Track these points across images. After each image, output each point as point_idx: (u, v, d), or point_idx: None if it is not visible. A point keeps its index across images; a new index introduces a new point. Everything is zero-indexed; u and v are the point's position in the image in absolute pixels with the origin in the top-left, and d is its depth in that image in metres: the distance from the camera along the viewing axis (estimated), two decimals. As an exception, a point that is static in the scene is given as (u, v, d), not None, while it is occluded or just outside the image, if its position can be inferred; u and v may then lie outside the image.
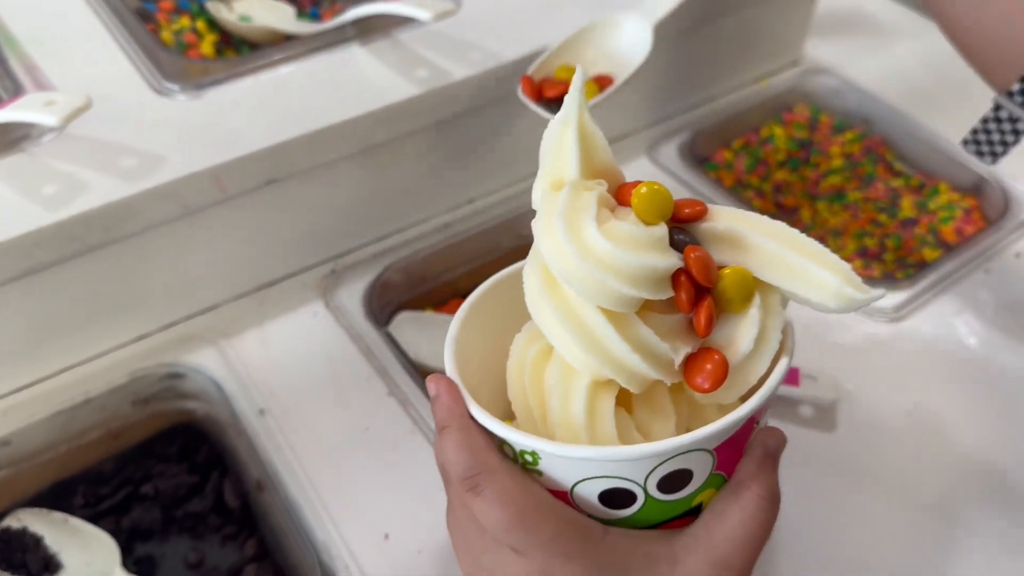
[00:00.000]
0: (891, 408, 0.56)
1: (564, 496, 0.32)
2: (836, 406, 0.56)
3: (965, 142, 0.56)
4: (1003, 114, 0.52)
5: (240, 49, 0.77)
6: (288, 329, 0.61)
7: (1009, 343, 0.60)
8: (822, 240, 0.33)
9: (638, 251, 0.30)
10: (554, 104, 0.56)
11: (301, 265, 0.64)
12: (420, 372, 0.58)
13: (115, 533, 0.51)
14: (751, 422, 0.32)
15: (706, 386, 0.30)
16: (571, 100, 0.32)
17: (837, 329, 0.61)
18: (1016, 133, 0.53)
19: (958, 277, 0.65)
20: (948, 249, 0.69)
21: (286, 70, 0.62)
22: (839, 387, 0.56)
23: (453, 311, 0.67)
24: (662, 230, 0.31)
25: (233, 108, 0.59)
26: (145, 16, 0.74)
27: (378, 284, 0.64)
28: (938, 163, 0.77)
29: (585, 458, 0.30)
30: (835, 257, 0.31)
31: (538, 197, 0.33)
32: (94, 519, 0.53)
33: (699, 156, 0.78)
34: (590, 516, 0.32)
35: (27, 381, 0.57)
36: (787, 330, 0.33)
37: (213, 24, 0.76)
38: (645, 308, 0.31)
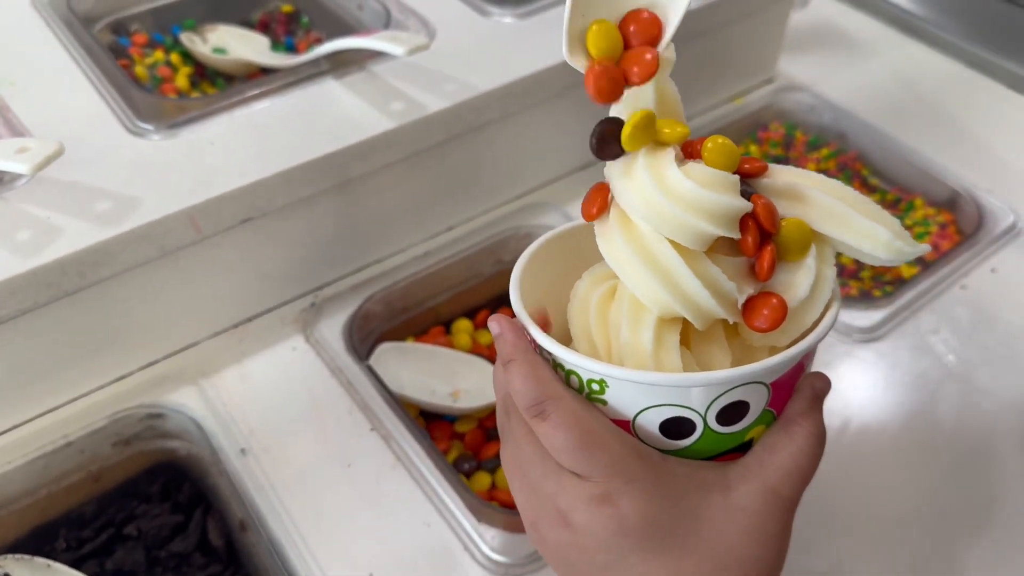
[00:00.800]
0: (868, 429, 0.57)
1: (626, 426, 0.33)
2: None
3: None
4: None
5: (215, 81, 0.76)
6: (268, 365, 0.60)
7: (987, 359, 0.61)
8: None
9: (716, 190, 0.32)
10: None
11: (280, 299, 0.64)
12: (402, 405, 0.58)
13: (98, 577, 0.51)
14: (800, 365, 0.34)
15: (764, 326, 0.32)
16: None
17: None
18: None
19: (935, 294, 0.65)
20: (925, 265, 0.70)
21: (260, 106, 0.62)
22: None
23: (434, 340, 0.68)
24: (735, 176, 0.33)
25: (208, 147, 0.58)
26: (118, 51, 0.74)
27: (358, 316, 0.63)
28: (913, 178, 0.77)
29: (656, 383, 0.32)
30: (886, 213, 0.34)
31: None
32: (77, 563, 0.53)
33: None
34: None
35: (5, 427, 0.56)
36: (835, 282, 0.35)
37: (188, 57, 0.76)
38: (712, 250, 0.33)
